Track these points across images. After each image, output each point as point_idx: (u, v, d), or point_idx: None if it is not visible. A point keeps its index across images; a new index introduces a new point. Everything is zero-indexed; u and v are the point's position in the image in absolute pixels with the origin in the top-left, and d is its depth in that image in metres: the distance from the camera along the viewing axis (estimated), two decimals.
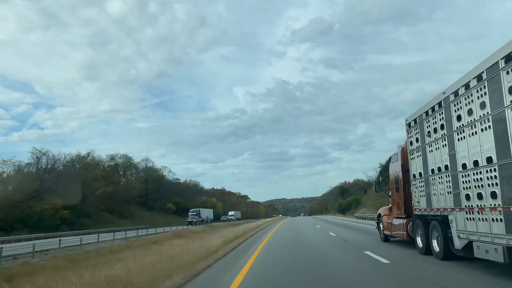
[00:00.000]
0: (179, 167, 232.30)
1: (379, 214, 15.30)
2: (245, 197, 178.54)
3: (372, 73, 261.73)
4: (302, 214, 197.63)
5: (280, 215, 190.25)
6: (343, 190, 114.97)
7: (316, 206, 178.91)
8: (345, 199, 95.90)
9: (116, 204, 60.90)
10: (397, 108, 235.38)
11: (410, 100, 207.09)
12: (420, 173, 9.78)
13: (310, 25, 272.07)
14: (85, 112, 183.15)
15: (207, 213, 74.58)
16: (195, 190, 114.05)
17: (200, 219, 65.20)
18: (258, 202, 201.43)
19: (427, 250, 9.57)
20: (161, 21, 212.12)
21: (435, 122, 8.64)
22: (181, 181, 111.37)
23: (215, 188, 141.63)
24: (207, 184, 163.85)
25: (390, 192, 13.87)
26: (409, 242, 11.68)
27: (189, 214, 66.09)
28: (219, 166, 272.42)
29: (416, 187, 10.12)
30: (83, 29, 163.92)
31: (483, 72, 6.53)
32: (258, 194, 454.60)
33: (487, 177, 6.53)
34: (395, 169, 12.78)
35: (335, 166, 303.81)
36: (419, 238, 10.31)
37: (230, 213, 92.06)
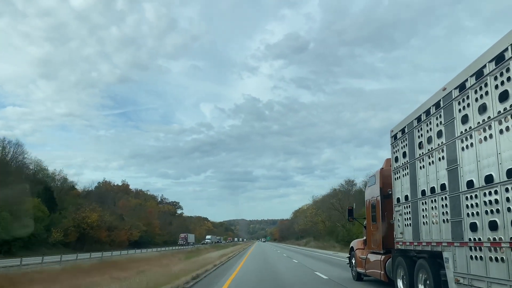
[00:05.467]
0: (139, 180, 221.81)
1: (352, 247, 13.15)
2: (175, 204, 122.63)
3: (343, 97, 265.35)
4: (263, 239, 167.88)
5: (233, 240, 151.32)
6: None
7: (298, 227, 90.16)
8: None
9: None
10: (363, 135, 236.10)
11: (377, 128, 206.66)
12: (406, 196, 7.78)
13: (285, 40, 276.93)
14: (39, 114, 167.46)
15: None
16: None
17: None
18: (205, 219, 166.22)
19: None
20: (128, 20, 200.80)
21: (430, 129, 6.73)
22: None
23: (108, 181, 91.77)
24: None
25: (365, 222, 11.80)
26: (388, 283, 9.50)
27: None
28: (180, 182, 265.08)
29: (400, 214, 8.08)
30: (41, 21, 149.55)
31: (506, 49, 4.68)
32: (218, 213, 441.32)
33: (508, 198, 4.56)
34: (373, 193, 10.76)
35: (298, 190, 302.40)
36: (401, 280, 8.18)
37: None
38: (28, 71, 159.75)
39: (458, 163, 5.71)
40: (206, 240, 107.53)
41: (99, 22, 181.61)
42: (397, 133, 8.43)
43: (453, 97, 5.91)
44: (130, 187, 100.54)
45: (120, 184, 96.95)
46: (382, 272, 9.53)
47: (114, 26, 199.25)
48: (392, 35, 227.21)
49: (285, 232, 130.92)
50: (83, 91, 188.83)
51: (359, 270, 11.78)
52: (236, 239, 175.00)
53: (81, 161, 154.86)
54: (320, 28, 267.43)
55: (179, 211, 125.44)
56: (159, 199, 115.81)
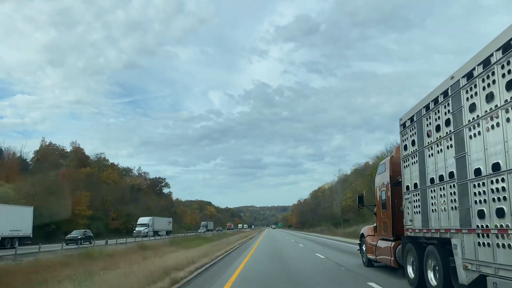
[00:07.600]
0: (148, 168, 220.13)
1: (362, 234, 13.31)
2: (160, 182, 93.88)
3: (355, 81, 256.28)
4: (273, 225, 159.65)
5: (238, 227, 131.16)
6: None
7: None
8: None
9: None
10: (375, 121, 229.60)
11: (389, 113, 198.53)
12: (415, 184, 7.85)
13: (296, 22, 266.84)
14: (48, 102, 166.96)
15: None
16: None
17: None
18: (208, 203, 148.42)
19: (421, 282, 7.57)
20: (134, 3, 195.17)
21: (439, 117, 6.76)
22: None
23: (51, 144, 61.00)
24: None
25: (375, 209, 11.91)
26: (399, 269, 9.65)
27: None
28: (190, 170, 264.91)
29: (410, 202, 8.17)
30: (46, 5, 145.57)
31: None
32: (227, 200, 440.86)
33: None
34: (383, 181, 10.86)
35: (307, 177, 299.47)
36: (410, 266, 8.31)
37: None
38: (35, 57, 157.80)
39: (466, 151, 5.76)
40: (138, 229, 51.45)
41: (105, 5, 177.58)
42: (406, 121, 8.47)
43: (461, 85, 5.93)
44: (87, 152, 69.26)
45: (69, 148, 64.78)
46: (392, 259, 9.67)
47: (120, 9, 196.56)
48: (406, 15, 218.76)
49: (307, 215, 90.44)
50: (91, 78, 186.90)
51: (370, 256, 11.93)
52: (240, 225, 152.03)
53: (90, 149, 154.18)
54: (332, 8, 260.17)
55: (166, 191, 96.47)
56: (136, 173, 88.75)
